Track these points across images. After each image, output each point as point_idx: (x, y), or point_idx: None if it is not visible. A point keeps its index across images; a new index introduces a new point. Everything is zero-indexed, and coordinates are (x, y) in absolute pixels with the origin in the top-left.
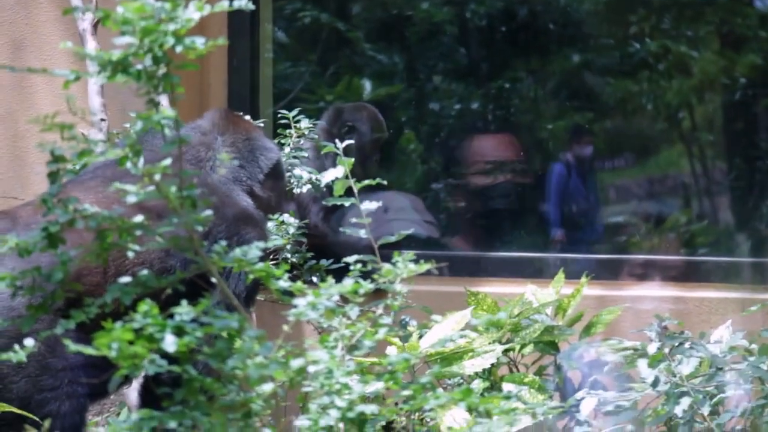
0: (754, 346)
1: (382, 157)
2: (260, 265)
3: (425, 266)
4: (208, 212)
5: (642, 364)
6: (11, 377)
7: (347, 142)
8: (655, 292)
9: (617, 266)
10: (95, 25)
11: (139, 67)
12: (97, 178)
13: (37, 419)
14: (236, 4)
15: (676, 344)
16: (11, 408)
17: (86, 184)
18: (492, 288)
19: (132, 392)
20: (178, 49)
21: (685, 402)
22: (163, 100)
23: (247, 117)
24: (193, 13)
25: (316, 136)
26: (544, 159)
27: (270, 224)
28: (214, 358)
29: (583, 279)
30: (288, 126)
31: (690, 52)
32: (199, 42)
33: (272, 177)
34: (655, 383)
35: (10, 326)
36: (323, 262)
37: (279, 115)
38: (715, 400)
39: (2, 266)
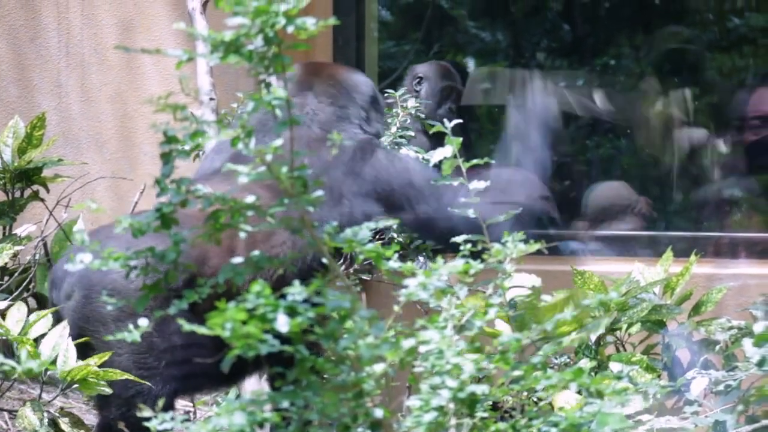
0: None
1: (458, 109)
2: (370, 245)
3: (535, 246)
4: (320, 193)
5: (747, 343)
6: (116, 349)
7: (456, 121)
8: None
9: (724, 244)
10: (204, 5)
11: (251, 47)
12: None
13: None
14: None
15: None
16: (120, 374)
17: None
18: (597, 267)
19: None
20: (290, 29)
21: None
22: (273, 80)
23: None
24: None
25: (422, 115)
26: None
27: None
28: (326, 339)
29: (692, 257)
30: (393, 105)
31: None
32: (310, 22)
33: (374, 108)
34: (761, 363)
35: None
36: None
37: (385, 95)
38: None
39: (117, 245)
